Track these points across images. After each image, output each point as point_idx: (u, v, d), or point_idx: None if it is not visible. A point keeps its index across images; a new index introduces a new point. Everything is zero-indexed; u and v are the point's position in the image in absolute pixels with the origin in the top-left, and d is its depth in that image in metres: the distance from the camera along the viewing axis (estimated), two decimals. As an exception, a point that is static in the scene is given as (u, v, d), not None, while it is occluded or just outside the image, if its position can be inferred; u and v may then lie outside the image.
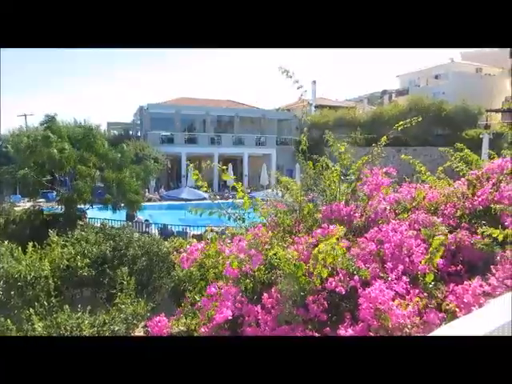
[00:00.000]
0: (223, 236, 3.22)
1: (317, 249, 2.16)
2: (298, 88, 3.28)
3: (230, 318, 2.29)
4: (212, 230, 3.42)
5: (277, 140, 35.18)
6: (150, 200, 23.57)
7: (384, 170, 3.26)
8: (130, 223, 13.90)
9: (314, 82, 42.28)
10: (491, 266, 2.58)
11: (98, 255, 7.58)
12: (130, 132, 37.22)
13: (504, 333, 1.58)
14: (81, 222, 8.61)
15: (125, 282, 5.88)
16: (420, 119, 3.50)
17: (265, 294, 2.36)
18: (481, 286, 2.38)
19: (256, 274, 2.41)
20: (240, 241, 2.61)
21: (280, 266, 2.25)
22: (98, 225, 10.48)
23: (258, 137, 34.78)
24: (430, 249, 2.56)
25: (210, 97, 39.81)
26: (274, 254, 2.24)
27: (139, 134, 35.98)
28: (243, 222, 3.13)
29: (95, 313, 5.62)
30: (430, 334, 1.58)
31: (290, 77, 3.22)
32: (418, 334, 1.89)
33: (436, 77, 43.49)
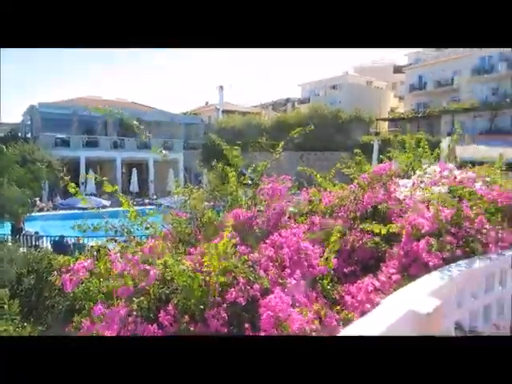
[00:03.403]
0: (129, 247, 2.94)
1: (207, 250, 2.04)
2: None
3: (121, 341, 2.06)
4: (116, 241, 3.10)
5: (184, 144, 34.51)
6: (41, 210, 21.16)
7: (282, 177, 3.31)
8: (18, 237, 12.40)
9: (221, 87, 42.53)
10: (381, 264, 2.75)
11: (-29, 276, 6.51)
12: (19, 133, 33.30)
13: (396, 333, 1.65)
14: None
15: (6, 306, 5.11)
16: (312, 128, 3.80)
17: (161, 312, 2.18)
18: (372, 283, 2.50)
19: (151, 290, 2.21)
20: (133, 255, 2.38)
21: (174, 279, 2.09)
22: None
23: (164, 141, 33.69)
24: (326, 249, 2.64)
25: (112, 98, 37.57)
26: (164, 265, 2.07)
27: (29, 135, 32.40)
28: (131, 234, 2.90)
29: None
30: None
31: None
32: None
33: (333, 87, 46.96)
